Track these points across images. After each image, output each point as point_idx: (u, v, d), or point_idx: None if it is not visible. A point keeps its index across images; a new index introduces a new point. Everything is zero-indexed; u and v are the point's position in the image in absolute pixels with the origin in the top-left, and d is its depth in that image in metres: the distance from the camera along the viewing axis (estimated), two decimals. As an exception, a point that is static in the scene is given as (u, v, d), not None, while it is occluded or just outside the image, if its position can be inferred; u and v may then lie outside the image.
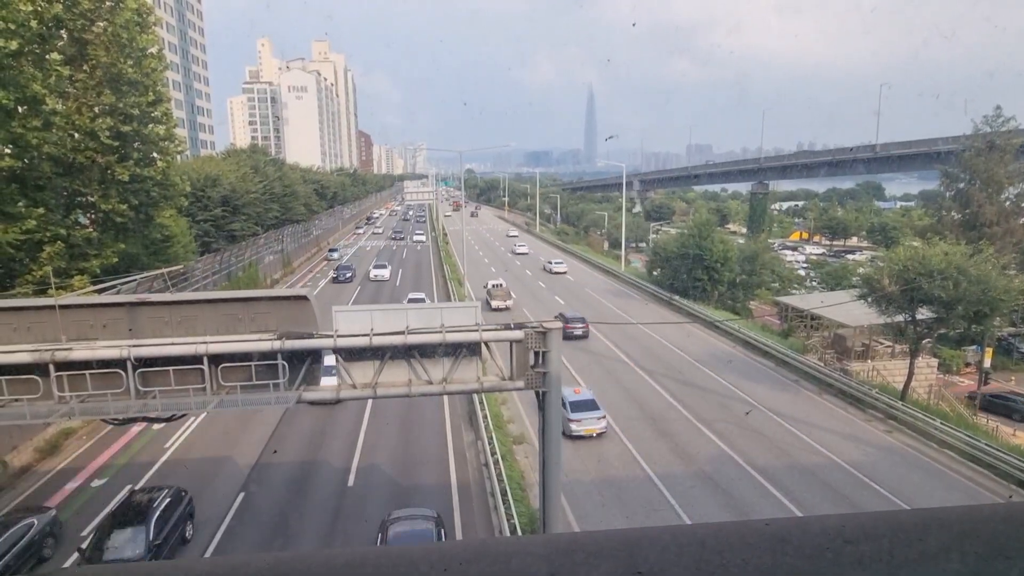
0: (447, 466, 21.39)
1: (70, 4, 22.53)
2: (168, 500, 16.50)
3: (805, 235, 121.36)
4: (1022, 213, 41.05)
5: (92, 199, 24.89)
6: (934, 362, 33.28)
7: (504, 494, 18.16)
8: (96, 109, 24.28)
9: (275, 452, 22.30)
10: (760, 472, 21.19)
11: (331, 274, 59.09)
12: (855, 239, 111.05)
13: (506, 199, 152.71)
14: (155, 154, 27.50)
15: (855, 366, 31.46)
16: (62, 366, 12.02)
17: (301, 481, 20.51)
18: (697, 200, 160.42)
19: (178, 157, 34.75)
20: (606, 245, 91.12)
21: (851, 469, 21.51)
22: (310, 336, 12.66)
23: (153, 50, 26.84)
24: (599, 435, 23.50)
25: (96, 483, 20.26)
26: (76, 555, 15.59)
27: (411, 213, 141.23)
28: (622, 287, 55.87)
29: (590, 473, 21.14)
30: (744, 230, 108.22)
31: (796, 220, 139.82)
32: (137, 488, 18.09)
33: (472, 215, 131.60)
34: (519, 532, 16.47)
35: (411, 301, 41.56)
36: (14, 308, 12.40)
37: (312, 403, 14.36)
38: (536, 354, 13.68)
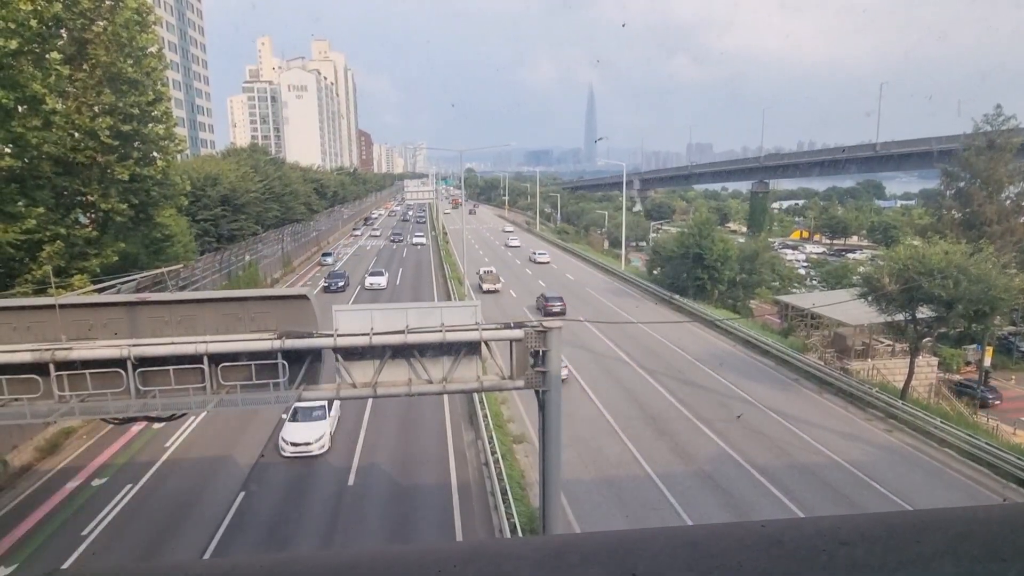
0: (447, 465, 21.40)
1: (70, 3, 22.48)
2: None
3: (805, 234, 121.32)
4: (1022, 212, 41.01)
5: (92, 198, 24.85)
6: (934, 361, 33.30)
7: (504, 493, 18.17)
8: (96, 108, 24.24)
9: (272, 452, 22.31)
10: (760, 471, 21.20)
11: (322, 282, 54.40)
12: (855, 238, 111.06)
13: (506, 198, 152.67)
14: (155, 153, 27.45)
15: (855, 365, 31.47)
16: (62, 366, 12.03)
17: (301, 480, 20.52)
18: (697, 199, 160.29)
19: (178, 156, 34.73)
20: (606, 244, 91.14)
21: (851, 468, 21.51)
22: (310, 335, 12.66)
23: (153, 49, 26.79)
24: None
25: (96, 482, 20.27)
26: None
27: (411, 214, 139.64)
28: (622, 286, 55.87)
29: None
30: (744, 229, 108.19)
31: (796, 219, 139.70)
32: None
33: (470, 212, 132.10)
34: (519, 531, 16.49)
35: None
36: (14, 308, 12.40)
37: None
38: (536, 353, 13.68)
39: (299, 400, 13.05)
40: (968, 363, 38.45)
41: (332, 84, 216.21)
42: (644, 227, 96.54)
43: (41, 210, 21.95)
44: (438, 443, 23.18)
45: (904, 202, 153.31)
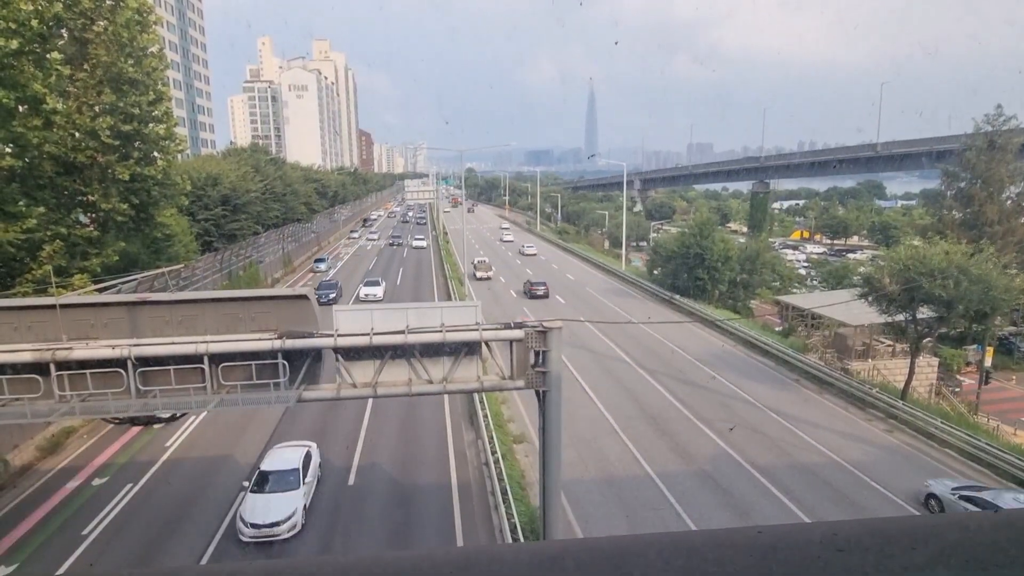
0: (447, 465, 21.40)
1: (71, 3, 22.49)
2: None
3: (806, 234, 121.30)
4: (1023, 212, 40.98)
5: (92, 198, 24.87)
6: (935, 361, 33.29)
7: (504, 493, 18.16)
8: (97, 108, 24.26)
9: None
10: (760, 471, 21.19)
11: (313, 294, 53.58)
12: (856, 238, 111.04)
13: (506, 198, 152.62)
14: (156, 153, 27.46)
15: (856, 365, 31.48)
16: (63, 365, 12.05)
17: (301, 480, 20.47)
18: (698, 199, 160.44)
19: (179, 156, 34.72)
20: (607, 244, 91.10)
21: (852, 468, 21.51)
22: (310, 335, 12.68)
23: (154, 49, 26.81)
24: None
25: (97, 481, 20.29)
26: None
27: (411, 214, 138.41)
28: (623, 286, 55.86)
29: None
30: (745, 229, 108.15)
31: (797, 219, 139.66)
32: None
33: (469, 211, 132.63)
34: (519, 531, 16.49)
35: None
36: (15, 307, 12.42)
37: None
38: (536, 353, 13.68)
39: (299, 400, 13.05)
40: (969, 363, 38.44)
41: (333, 84, 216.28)
42: (645, 227, 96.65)
43: (42, 210, 21.98)
44: (438, 443, 23.19)
45: (905, 202, 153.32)
